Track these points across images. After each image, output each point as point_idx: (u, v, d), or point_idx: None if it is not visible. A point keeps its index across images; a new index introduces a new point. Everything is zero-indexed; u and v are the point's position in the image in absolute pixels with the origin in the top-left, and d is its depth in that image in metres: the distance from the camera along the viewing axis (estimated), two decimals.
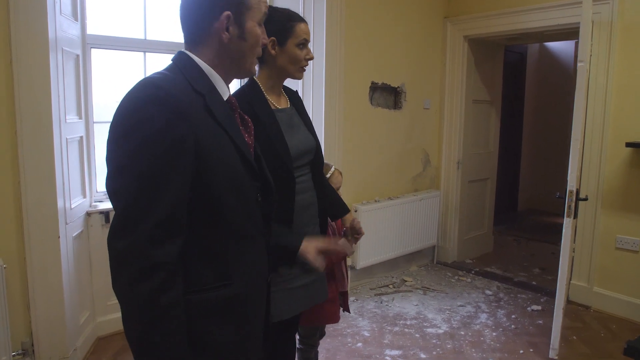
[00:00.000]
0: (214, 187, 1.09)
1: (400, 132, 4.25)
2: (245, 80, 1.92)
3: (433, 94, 4.52)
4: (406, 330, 3.27)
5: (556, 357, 2.94)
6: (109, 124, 1.06)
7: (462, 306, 3.68)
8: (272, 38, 1.71)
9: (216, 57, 1.17)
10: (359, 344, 3.07)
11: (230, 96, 1.24)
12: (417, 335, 3.21)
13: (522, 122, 6.83)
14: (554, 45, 6.78)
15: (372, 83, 3.95)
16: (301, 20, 1.78)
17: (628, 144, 3.35)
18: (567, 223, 2.87)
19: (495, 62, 4.84)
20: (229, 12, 1.14)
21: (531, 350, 3.06)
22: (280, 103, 1.83)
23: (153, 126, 1.01)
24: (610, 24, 3.44)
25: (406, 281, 4.16)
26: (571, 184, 2.83)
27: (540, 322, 3.46)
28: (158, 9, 3.35)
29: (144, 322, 1.01)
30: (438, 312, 3.57)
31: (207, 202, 1.10)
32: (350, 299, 3.74)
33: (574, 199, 2.82)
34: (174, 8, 3.44)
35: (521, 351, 3.04)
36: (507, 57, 5.12)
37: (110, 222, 1.09)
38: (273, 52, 1.73)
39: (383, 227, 4.01)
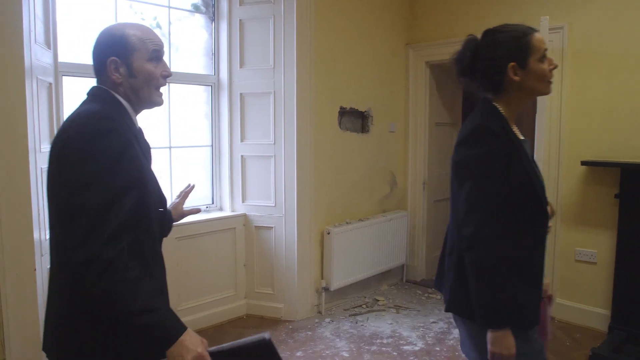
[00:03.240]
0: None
1: (368, 155, 4.37)
2: None
3: (398, 118, 4.68)
4: (383, 349, 3.33)
5: None
6: None
7: (435, 323, 3.77)
8: (512, 64, 1.52)
9: (122, 94, 1.38)
10: None
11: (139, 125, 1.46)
12: (394, 353, 3.27)
13: None
14: None
15: (341, 108, 4.06)
16: (533, 30, 1.56)
17: (583, 163, 3.57)
18: None
19: (455, 86, 5.07)
20: (114, 57, 1.35)
21: None
22: (520, 133, 1.61)
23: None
24: (562, 50, 3.69)
25: (378, 300, 4.22)
26: None
27: None
28: None
29: None
30: (412, 329, 3.64)
31: None
32: (326, 320, 3.77)
33: None
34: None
35: None
36: None
37: None
38: (517, 78, 1.53)
39: (355, 248, 4.08)
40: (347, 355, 3.23)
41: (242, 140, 3.84)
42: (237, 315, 3.84)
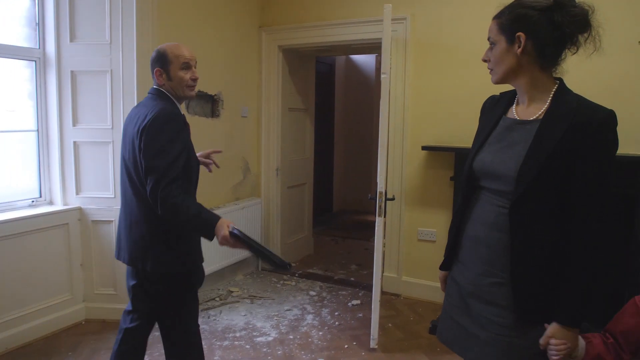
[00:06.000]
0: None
1: (218, 141, 4.18)
2: None
3: (250, 102, 4.55)
4: (236, 342, 3.22)
5: (376, 346, 3.17)
6: None
7: (289, 310, 3.76)
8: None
9: (167, 91, 2.10)
10: None
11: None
12: (247, 346, 3.17)
13: (333, 128, 7.31)
14: (357, 58, 7.40)
15: None
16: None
17: (423, 148, 3.80)
18: (379, 222, 3.12)
19: (308, 72, 5.08)
20: (158, 68, 2.08)
21: (354, 343, 3.25)
22: (522, 112, 1.51)
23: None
24: (405, 40, 3.87)
25: (232, 292, 4.10)
26: (380, 186, 3.09)
27: (361, 315, 3.71)
28: None
29: None
30: (266, 319, 3.58)
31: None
32: None
33: (384, 199, 3.09)
34: None
35: (346, 346, 3.21)
36: (318, 67, 5.42)
37: None
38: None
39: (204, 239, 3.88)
40: None
41: (74, 125, 3.40)
42: (75, 322, 3.42)
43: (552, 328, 1.39)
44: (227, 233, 1.80)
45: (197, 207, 1.90)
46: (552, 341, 1.38)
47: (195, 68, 2.13)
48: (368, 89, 7.35)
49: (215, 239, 1.87)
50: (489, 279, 1.49)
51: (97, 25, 3.33)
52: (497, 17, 1.50)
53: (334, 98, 7.24)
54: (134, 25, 3.29)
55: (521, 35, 1.41)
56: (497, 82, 1.53)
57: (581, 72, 1.61)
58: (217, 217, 1.87)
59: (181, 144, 1.97)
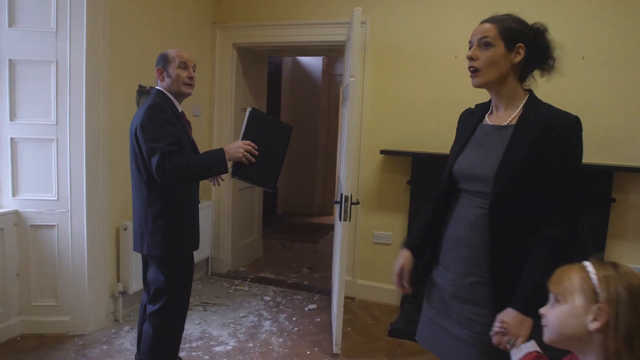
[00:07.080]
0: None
1: None
2: None
3: (203, 101, 4.37)
4: (193, 353, 3.05)
5: (339, 352, 3.13)
6: None
7: (245, 317, 3.63)
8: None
9: (167, 89, 2.40)
10: None
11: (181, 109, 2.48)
12: (206, 357, 3.02)
13: None
14: (304, 60, 7.34)
15: (140, 87, 3.58)
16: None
17: (382, 151, 3.81)
18: (344, 226, 3.08)
19: (261, 72, 4.96)
20: (160, 67, 2.39)
21: (316, 349, 3.19)
22: (496, 119, 1.60)
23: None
24: (364, 44, 3.86)
25: None
26: (346, 190, 3.05)
27: (319, 319, 3.65)
28: None
29: None
30: (223, 327, 3.44)
31: None
32: (124, 329, 3.32)
33: (349, 204, 3.05)
34: None
35: (308, 352, 3.14)
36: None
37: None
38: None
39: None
40: None
41: (12, 119, 3.09)
42: (8, 338, 3.09)
43: (505, 310, 1.41)
44: (242, 145, 2.24)
45: (197, 155, 2.31)
46: (497, 318, 1.40)
47: (193, 71, 2.41)
48: (314, 91, 7.33)
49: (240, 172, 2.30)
50: (470, 279, 1.52)
51: (41, 10, 3.05)
52: (497, 22, 1.52)
53: (280, 99, 7.14)
54: (84, 11, 3.04)
55: (522, 47, 1.49)
56: (479, 85, 1.55)
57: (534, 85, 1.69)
58: (221, 149, 2.26)
59: (173, 131, 2.26)
